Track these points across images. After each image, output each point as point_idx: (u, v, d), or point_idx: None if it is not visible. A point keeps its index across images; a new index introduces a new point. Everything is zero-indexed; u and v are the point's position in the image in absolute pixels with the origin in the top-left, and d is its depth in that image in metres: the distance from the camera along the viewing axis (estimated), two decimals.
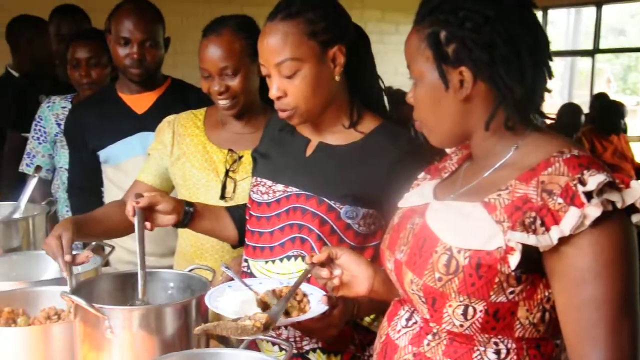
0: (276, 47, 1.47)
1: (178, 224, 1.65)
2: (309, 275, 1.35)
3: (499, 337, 1.09)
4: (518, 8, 1.10)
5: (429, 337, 1.15)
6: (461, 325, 1.10)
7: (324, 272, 1.30)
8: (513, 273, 1.04)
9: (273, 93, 1.50)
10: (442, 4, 1.11)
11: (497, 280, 1.05)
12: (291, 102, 1.50)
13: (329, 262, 1.31)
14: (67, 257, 1.57)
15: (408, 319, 1.20)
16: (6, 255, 1.85)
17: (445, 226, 1.11)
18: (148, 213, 1.58)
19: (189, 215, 1.66)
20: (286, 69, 1.47)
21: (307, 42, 1.47)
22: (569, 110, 5.57)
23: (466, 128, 1.15)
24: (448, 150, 1.32)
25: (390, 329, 1.23)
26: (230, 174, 1.90)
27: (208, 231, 1.77)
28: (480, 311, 1.07)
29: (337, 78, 1.51)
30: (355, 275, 1.31)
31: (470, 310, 1.08)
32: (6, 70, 3.64)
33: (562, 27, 10.16)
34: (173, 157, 1.98)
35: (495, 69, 1.08)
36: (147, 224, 1.56)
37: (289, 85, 1.48)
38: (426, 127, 1.18)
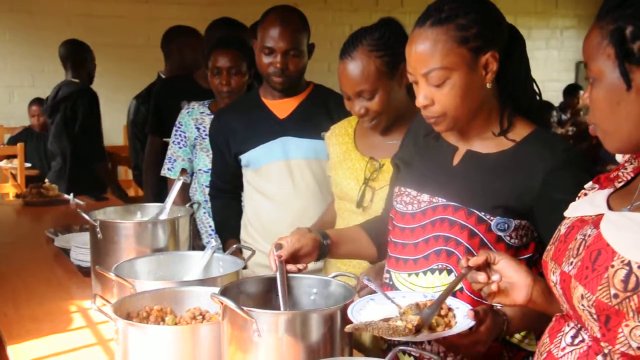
0: (424, 55, 1.41)
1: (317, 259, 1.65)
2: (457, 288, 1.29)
3: None
4: None
5: (599, 357, 1.06)
6: (639, 348, 1.00)
7: (482, 277, 1.23)
8: None
9: (420, 102, 1.45)
10: None
11: None
12: (438, 110, 1.44)
13: (485, 267, 1.25)
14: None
15: (574, 337, 1.12)
16: (153, 254, 1.90)
17: (623, 239, 1.02)
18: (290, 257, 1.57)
19: (326, 249, 1.64)
20: (434, 78, 1.41)
21: (456, 49, 1.40)
22: None
23: None
24: (619, 158, 1.22)
25: (553, 346, 1.15)
26: (370, 182, 1.88)
27: (347, 255, 1.77)
28: None
29: (488, 86, 1.44)
30: (513, 282, 1.23)
31: None
32: (158, 76, 3.84)
33: None
34: (329, 166, 2.01)
35: None
36: (294, 267, 1.56)
37: (436, 94, 1.42)
38: (602, 131, 1.09)
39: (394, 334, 1.20)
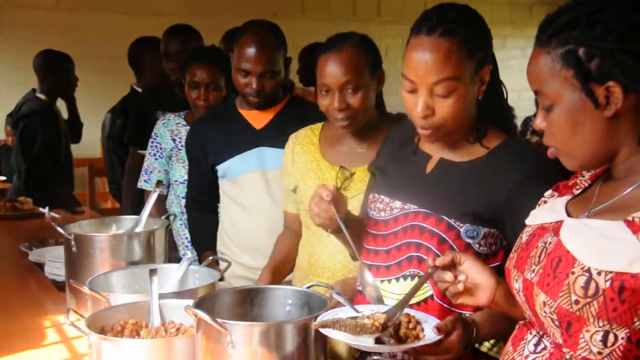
0: (436, 64, 1.40)
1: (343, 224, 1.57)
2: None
3: None
4: None
5: None
6: (599, 353, 1.03)
7: (448, 275, 1.26)
8: None
9: (419, 112, 1.43)
10: (573, 20, 1.06)
11: None
12: (438, 121, 1.44)
13: (451, 267, 1.27)
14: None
15: (536, 344, 1.14)
16: (128, 267, 1.89)
17: (582, 246, 1.05)
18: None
19: (349, 212, 1.62)
20: (442, 88, 1.41)
21: (466, 61, 1.41)
22: None
23: (611, 147, 1.08)
24: None
25: (517, 354, 1.17)
26: (342, 191, 1.88)
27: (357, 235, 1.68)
28: (622, 338, 1.01)
29: (480, 97, 1.47)
30: (477, 283, 1.27)
31: (611, 336, 1.01)
32: (131, 89, 3.82)
33: None
34: (291, 176, 1.99)
35: None
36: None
37: (439, 104, 1.42)
38: (565, 153, 1.11)
39: (361, 331, 1.23)
